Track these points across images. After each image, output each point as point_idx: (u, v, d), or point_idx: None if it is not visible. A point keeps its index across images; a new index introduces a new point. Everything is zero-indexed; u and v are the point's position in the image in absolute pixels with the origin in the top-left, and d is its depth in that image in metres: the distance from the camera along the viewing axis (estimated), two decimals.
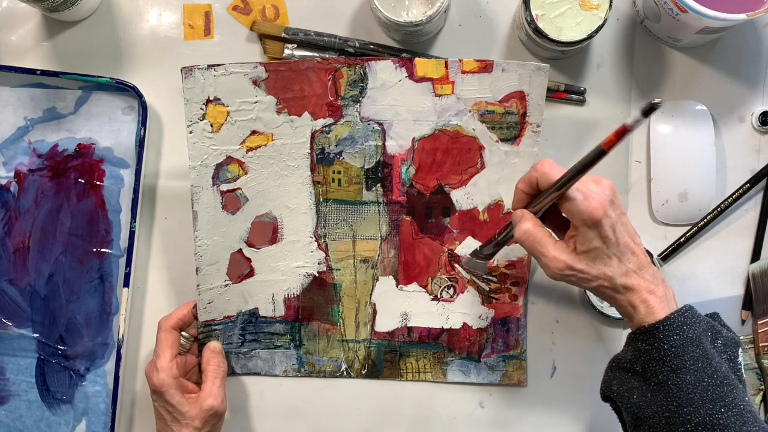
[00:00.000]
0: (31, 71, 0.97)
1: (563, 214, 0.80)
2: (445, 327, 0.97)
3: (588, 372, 0.97)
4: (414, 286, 0.97)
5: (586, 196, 0.75)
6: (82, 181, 0.98)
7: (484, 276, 0.96)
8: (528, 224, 0.78)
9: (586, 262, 0.76)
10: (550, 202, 0.78)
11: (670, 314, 0.75)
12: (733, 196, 0.96)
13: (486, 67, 0.91)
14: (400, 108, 0.93)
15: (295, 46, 0.97)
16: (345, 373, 0.98)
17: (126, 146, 0.98)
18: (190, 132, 0.91)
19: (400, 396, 0.98)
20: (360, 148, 0.94)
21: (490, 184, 0.94)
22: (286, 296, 0.97)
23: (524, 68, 0.90)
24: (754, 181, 0.96)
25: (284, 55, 0.96)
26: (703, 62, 0.97)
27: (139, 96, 0.96)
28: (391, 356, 0.98)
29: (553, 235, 0.81)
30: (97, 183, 0.98)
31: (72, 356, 0.98)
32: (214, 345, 0.94)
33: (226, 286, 0.95)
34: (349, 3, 0.98)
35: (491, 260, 0.92)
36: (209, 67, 0.90)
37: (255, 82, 0.91)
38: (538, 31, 0.89)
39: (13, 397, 0.99)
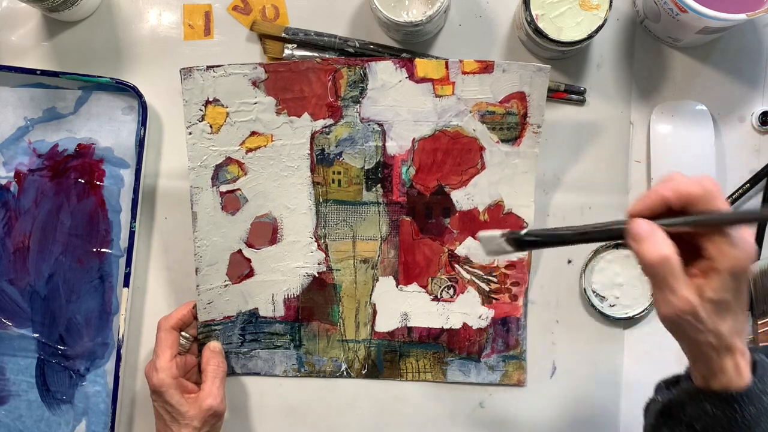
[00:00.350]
0: (31, 71, 0.97)
1: (701, 249, 0.66)
2: (445, 327, 0.97)
3: (588, 372, 0.97)
4: (414, 287, 0.97)
5: (745, 241, 0.64)
6: (82, 181, 0.98)
7: (484, 276, 0.96)
8: (667, 249, 0.64)
9: (709, 313, 0.65)
10: (692, 230, 0.65)
11: (751, 383, 0.66)
12: (733, 196, 0.96)
13: (487, 67, 0.90)
14: (400, 109, 0.92)
15: (295, 46, 0.97)
16: (345, 373, 0.98)
17: (126, 146, 0.98)
18: (189, 133, 0.91)
19: (400, 396, 0.98)
20: (360, 148, 0.94)
21: (491, 185, 0.94)
22: (286, 296, 0.97)
23: (525, 69, 0.90)
24: (754, 181, 0.96)
25: (284, 55, 0.96)
26: (703, 62, 0.97)
27: (139, 96, 0.96)
28: (391, 356, 0.98)
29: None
30: (97, 183, 0.98)
31: (72, 356, 0.98)
32: (213, 345, 0.94)
33: (225, 286, 0.95)
34: (349, 3, 0.98)
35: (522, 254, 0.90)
36: (208, 68, 0.90)
37: (254, 83, 0.91)
38: (538, 31, 0.89)
39: (13, 397, 0.99)
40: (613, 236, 0.69)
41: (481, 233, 0.76)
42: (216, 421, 0.90)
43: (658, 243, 0.64)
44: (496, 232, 0.73)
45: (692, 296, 0.64)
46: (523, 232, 0.72)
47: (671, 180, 0.65)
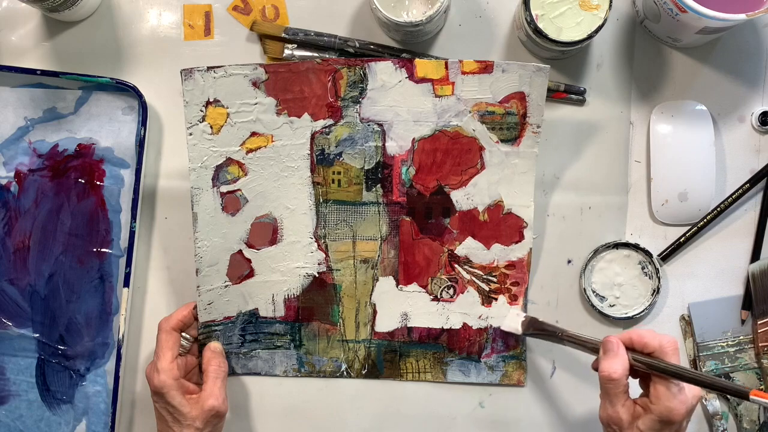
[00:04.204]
0: (31, 71, 0.97)
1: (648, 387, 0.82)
2: (445, 327, 0.97)
3: (588, 372, 0.97)
4: (414, 287, 0.97)
5: (682, 396, 0.78)
6: (82, 181, 0.98)
7: (484, 276, 0.96)
8: (620, 370, 0.80)
9: None
10: (647, 370, 0.80)
11: None
12: (733, 196, 0.96)
13: (486, 67, 0.90)
14: (400, 109, 0.92)
15: (295, 46, 0.97)
16: (345, 373, 0.98)
17: (126, 146, 0.98)
18: (190, 134, 0.91)
19: (400, 396, 0.99)
20: (360, 148, 0.94)
21: (490, 185, 0.94)
22: (286, 297, 0.97)
23: (525, 69, 0.90)
24: (754, 181, 0.96)
25: (284, 55, 0.96)
26: (703, 62, 0.97)
27: (139, 96, 0.96)
28: (391, 356, 0.98)
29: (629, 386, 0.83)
30: (97, 183, 0.98)
31: (72, 356, 0.98)
32: (214, 345, 0.94)
33: (226, 287, 0.95)
34: (349, 3, 0.98)
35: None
36: (209, 69, 0.90)
37: (255, 84, 0.91)
38: (538, 31, 0.89)
39: (13, 397, 0.99)
40: (594, 349, 0.86)
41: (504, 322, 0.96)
42: (218, 422, 0.90)
43: (615, 362, 0.80)
44: (528, 319, 0.94)
45: (625, 415, 0.80)
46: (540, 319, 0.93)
47: (642, 331, 0.82)
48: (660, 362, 0.79)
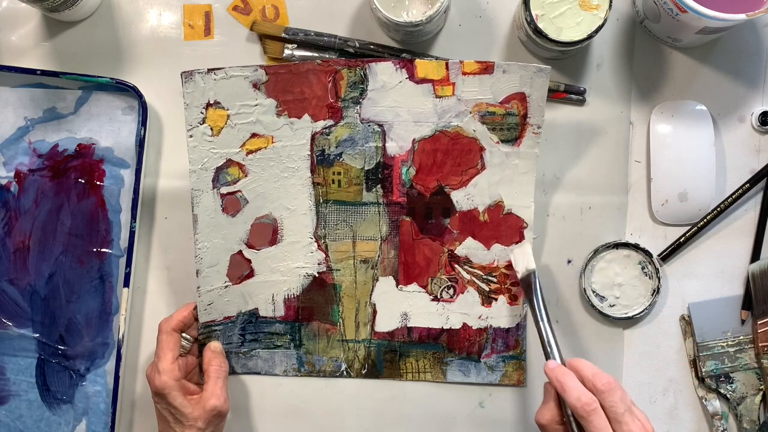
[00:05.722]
0: (31, 71, 0.97)
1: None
2: (444, 327, 0.97)
3: None
4: (414, 287, 0.97)
5: None
6: (82, 181, 0.98)
7: (484, 276, 0.96)
8: (545, 416, 0.83)
9: None
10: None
11: None
12: (733, 196, 0.96)
13: (487, 68, 0.90)
14: (400, 109, 0.92)
15: (295, 46, 0.97)
16: (345, 373, 0.98)
17: (126, 146, 0.98)
18: (190, 136, 0.91)
19: (400, 396, 0.99)
20: (360, 149, 0.94)
21: (491, 185, 0.94)
22: (286, 297, 0.97)
23: (525, 70, 0.89)
24: (753, 181, 0.96)
25: (284, 55, 0.96)
26: (703, 62, 0.97)
27: (139, 96, 0.96)
28: (391, 356, 0.98)
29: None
30: (97, 183, 0.98)
31: (72, 356, 0.98)
32: (214, 345, 0.94)
33: (226, 287, 0.95)
34: (349, 3, 0.98)
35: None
36: (209, 71, 0.90)
37: (255, 85, 0.91)
38: (538, 31, 0.89)
39: (13, 397, 0.99)
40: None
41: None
42: (220, 422, 0.90)
43: (545, 409, 0.84)
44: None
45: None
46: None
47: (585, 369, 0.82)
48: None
